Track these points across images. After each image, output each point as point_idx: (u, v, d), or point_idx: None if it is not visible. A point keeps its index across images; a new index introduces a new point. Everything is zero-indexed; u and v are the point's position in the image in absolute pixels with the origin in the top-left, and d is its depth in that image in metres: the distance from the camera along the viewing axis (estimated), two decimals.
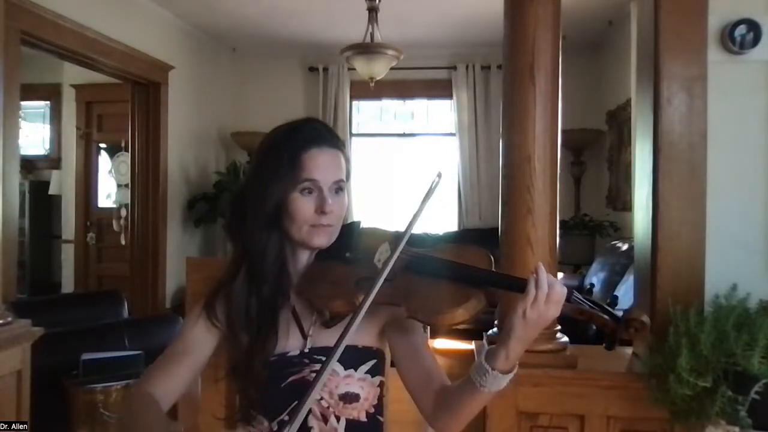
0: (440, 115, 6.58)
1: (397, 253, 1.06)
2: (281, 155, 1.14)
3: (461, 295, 1.06)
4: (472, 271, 1.09)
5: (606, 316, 1.04)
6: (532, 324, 1.00)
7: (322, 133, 1.18)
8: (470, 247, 1.17)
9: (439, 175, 1.08)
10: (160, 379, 1.12)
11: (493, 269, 1.12)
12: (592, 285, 1.14)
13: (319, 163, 1.14)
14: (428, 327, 1.28)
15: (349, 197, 1.24)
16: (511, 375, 1.05)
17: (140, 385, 1.12)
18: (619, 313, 1.04)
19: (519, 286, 1.03)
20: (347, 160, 1.22)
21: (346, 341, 1.00)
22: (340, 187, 1.18)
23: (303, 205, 1.14)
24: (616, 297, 1.07)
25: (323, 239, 1.17)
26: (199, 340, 1.17)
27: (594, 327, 1.07)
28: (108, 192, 5.84)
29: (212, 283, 1.21)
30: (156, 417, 1.06)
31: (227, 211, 1.24)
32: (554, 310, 1.00)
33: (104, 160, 5.96)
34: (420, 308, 1.07)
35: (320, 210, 1.14)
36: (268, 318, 1.15)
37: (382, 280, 1.03)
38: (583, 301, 1.05)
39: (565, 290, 1.01)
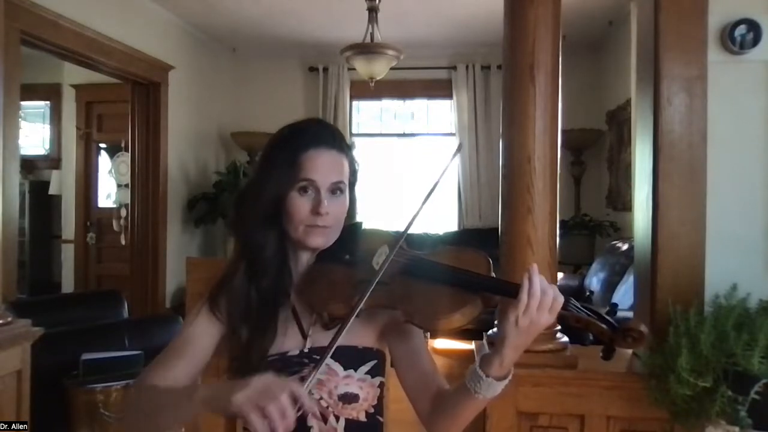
0: (440, 115, 6.57)
1: (391, 256, 1.06)
2: (282, 154, 1.15)
3: (458, 300, 1.05)
4: (468, 275, 1.07)
5: (603, 325, 1.02)
6: (524, 331, 0.99)
7: (324, 134, 1.18)
8: (468, 251, 1.16)
9: (459, 147, 1.07)
10: (159, 373, 1.11)
11: (492, 273, 1.10)
12: (591, 292, 1.14)
13: (317, 164, 1.14)
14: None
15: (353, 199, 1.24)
16: (506, 381, 1.04)
17: (139, 381, 1.12)
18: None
19: (514, 292, 1.00)
20: (353, 163, 1.22)
21: (345, 342, 1.00)
22: (339, 189, 1.18)
23: (299, 205, 1.14)
24: (616, 305, 1.06)
25: (319, 240, 1.17)
26: (200, 333, 1.16)
27: (591, 336, 1.05)
28: (108, 192, 5.84)
29: (215, 279, 1.21)
30: (172, 389, 1.05)
31: (231, 207, 1.25)
32: (547, 318, 0.99)
33: (104, 160, 5.96)
34: (416, 312, 1.07)
35: (315, 211, 1.14)
36: (268, 313, 1.15)
37: (375, 282, 1.03)
38: (581, 309, 1.03)
39: (560, 298, 0.99)
